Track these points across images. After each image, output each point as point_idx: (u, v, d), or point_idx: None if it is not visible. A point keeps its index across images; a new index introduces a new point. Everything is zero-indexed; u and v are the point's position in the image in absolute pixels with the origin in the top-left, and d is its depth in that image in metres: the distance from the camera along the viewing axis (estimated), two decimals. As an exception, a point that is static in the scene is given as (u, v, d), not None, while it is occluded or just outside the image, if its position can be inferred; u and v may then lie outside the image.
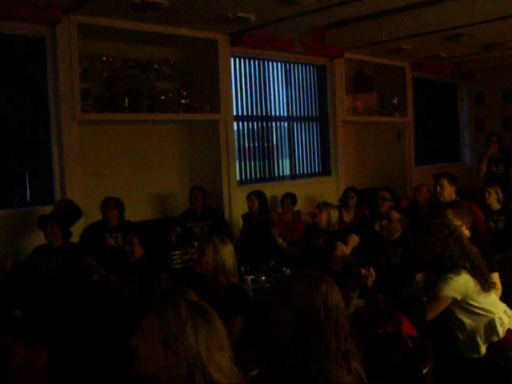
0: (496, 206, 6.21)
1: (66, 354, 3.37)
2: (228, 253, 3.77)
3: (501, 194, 6.19)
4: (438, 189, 5.74)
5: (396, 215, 4.88)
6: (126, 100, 6.64)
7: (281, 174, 8.71)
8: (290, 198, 7.32)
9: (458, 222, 4.38)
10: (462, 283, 3.41)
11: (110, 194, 6.17)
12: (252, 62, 8.16)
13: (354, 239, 5.44)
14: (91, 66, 6.51)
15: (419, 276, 4.01)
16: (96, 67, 6.57)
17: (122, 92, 6.68)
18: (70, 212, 5.87)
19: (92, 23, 6.12)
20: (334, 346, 2.18)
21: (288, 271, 4.72)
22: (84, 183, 6.41)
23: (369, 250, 5.00)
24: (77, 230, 5.96)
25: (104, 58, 6.62)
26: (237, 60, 7.93)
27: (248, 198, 6.89)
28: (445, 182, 5.73)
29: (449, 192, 5.72)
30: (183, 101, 7.16)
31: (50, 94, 6.11)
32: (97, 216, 6.08)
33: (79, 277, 4.98)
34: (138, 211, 6.79)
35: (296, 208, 7.49)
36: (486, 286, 3.46)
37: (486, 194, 6.20)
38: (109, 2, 5.66)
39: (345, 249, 5.27)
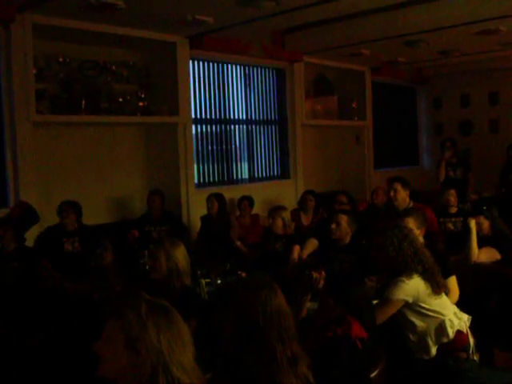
0: (453, 209, 6.37)
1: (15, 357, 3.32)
2: (180, 255, 3.75)
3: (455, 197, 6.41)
4: (392, 193, 5.79)
5: (344, 218, 4.88)
6: (83, 102, 6.56)
7: (239, 176, 8.71)
8: (248, 200, 7.32)
9: (416, 231, 4.46)
10: (414, 286, 3.45)
11: (67, 197, 6.07)
12: (211, 64, 8.15)
13: (313, 243, 5.45)
14: (47, 66, 6.43)
15: (371, 279, 4.05)
16: (52, 68, 6.49)
17: (78, 93, 6.60)
18: (27, 216, 5.77)
19: (48, 23, 6.01)
20: (280, 351, 2.17)
21: (244, 274, 4.71)
22: (40, 186, 6.30)
23: (322, 254, 5.02)
24: (32, 233, 5.87)
25: (61, 59, 6.54)
26: (196, 63, 7.90)
27: (208, 200, 6.87)
28: (398, 187, 5.78)
29: (402, 196, 5.78)
30: (141, 103, 7.12)
31: (3, 95, 5.98)
32: (53, 220, 5.97)
33: (33, 281, 4.90)
34: (95, 214, 6.71)
35: (254, 211, 7.50)
36: (437, 289, 3.50)
37: (450, 197, 6.41)
38: (65, 2, 5.57)
39: (301, 252, 5.30)
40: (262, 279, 2.42)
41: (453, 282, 4.05)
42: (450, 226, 6.30)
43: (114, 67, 6.97)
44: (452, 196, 6.42)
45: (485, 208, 5.22)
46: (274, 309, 2.25)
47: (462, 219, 6.13)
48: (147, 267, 5.26)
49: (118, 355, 1.90)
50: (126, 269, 5.41)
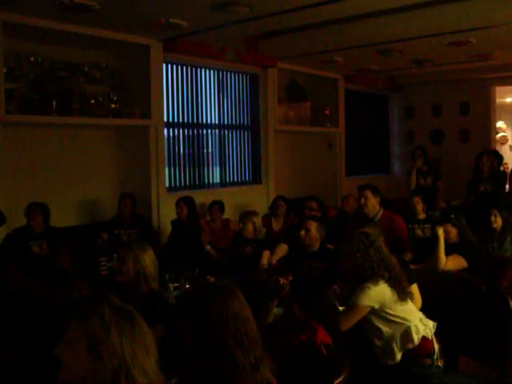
0: (422, 216, 6.47)
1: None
2: (148, 259, 3.73)
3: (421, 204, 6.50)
4: (363, 200, 5.84)
5: (313, 224, 4.91)
6: (54, 102, 6.48)
7: (211, 181, 8.69)
8: (218, 205, 7.31)
9: None
10: (379, 292, 3.48)
11: (35, 198, 6.01)
12: (185, 68, 8.12)
13: (283, 249, 5.45)
14: (18, 66, 6.33)
15: (339, 285, 4.07)
16: (23, 68, 6.39)
17: (50, 94, 6.51)
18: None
19: (18, 22, 5.92)
20: (240, 357, 2.16)
21: (212, 279, 4.70)
22: (8, 187, 6.22)
23: (291, 260, 5.02)
24: (-1, 235, 5.81)
25: (32, 59, 6.43)
26: (169, 66, 7.87)
27: (177, 205, 6.83)
28: (369, 194, 5.83)
29: (373, 203, 5.83)
30: (113, 105, 7.06)
31: (-29, 94, 5.90)
32: (21, 221, 5.90)
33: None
34: (64, 216, 6.65)
35: (225, 216, 7.49)
36: (403, 295, 3.53)
37: (415, 204, 6.52)
38: (37, 1, 5.49)
39: (270, 258, 5.30)
40: (220, 284, 2.42)
41: (415, 289, 4.08)
42: (419, 232, 6.38)
43: (86, 68, 6.89)
44: (418, 204, 6.51)
45: (453, 216, 5.28)
46: (231, 313, 2.24)
47: (430, 226, 6.21)
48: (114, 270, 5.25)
49: (79, 359, 1.89)
50: (92, 271, 5.39)
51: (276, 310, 3.39)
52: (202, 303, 2.27)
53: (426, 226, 6.39)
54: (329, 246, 4.97)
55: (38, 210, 5.83)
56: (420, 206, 6.51)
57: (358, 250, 3.60)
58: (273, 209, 7.45)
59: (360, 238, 3.67)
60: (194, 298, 2.33)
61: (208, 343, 2.21)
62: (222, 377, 2.13)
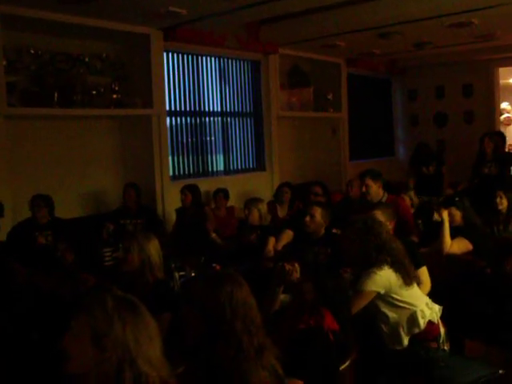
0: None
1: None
2: (153, 248, 3.73)
3: (414, 198, 6.55)
4: (364, 188, 5.79)
5: (318, 210, 4.89)
6: (56, 94, 6.48)
7: (215, 169, 8.69)
8: (223, 192, 7.31)
9: (387, 222, 4.51)
10: (385, 277, 3.48)
11: (40, 190, 6.02)
12: (186, 56, 8.09)
13: (288, 235, 5.44)
14: (18, 58, 6.32)
15: (346, 271, 4.07)
16: (23, 60, 6.38)
17: (51, 86, 6.51)
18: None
19: (18, 14, 5.90)
20: (246, 342, 2.20)
21: (218, 267, 4.71)
22: (12, 180, 6.23)
23: (296, 246, 5.02)
24: (4, 228, 5.81)
25: (32, 51, 6.42)
26: (170, 54, 7.85)
27: (181, 192, 6.84)
28: (369, 181, 5.76)
29: (374, 190, 5.77)
30: (115, 96, 7.05)
31: (-28, 88, 5.90)
32: (26, 214, 5.92)
33: (4, 277, 4.84)
34: (69, 208, 6.67)
35: (230, 203, 7.49)
36: (408, 279, 3.54)
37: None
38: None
39: (276, 244, 5.31)
40: (226, 272, 2.45)
41: (424, 272, 4.10)
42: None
43: (87, 59, 6.88)
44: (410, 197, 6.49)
45: (457, 199, 5.26)
46: (240, 301, 2.30)
47: (420, 221, 6.20)
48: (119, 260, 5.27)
49: (84, 351, 1.90)
50: (97, 262, 5.41)
51: (282, 297, 3.40)
52: (212, 290, 2.32)
53: (416, 222, 6.35)
54: (335, 230, 4.96)
55: (42, 201, 5.85)
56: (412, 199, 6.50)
57: (358, 236, 3.60)
58: (278, 195, 7.45)
59: (360, 224, 3.67)
60: (203, 285, 2.36)
61: (217, 329, 2.24)
62: (229, 362, 2.16)
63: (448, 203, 5.29)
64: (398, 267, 3.52)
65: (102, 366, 1.87)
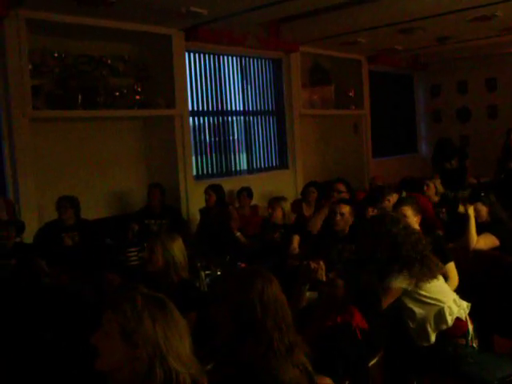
0: (434, 198, 6.41)
1: (16, 355, 3.32)
2: (177, 248, 3.74)
3: (439, 186, 6.39)
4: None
5: (347, 208, 4.89)
6: (80, 97, 6.55)
7: (238, 168, 8.71)
8: (246, 191, 7.32)
9: (413, 218, 4.49)
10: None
11: (66, 192, 6.08)
12: (207, 56, 8.13)
13: (296, 240, 5.49)
14: (42, 62, 6.39)
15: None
16: (47, 63, 6.45)
17: (74, 88, 6.58)
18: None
19: (41, 18, 5.99)
20: (277, 339, 2.19)
21: (243, 265, 4.72)
22: (39, 182, 6.31)
23: (320, 244, 5.01)
24: (31, 229, 5.88)
25: (56, 54, 6.50)
26: (192, 55, 7.88)
27: (205, 192, 6.86)
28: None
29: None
30: (138, 97, 7.11)
31: (-1, 91, 5.99)
32: (53, 215, 5.98)
33: (31, 278, 4.90)
34: (94, 209, 6.74)
35: (254, 202, 7.50)
36: (433, 273, 3.50)
37: (425, 187, 6.44)
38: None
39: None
40: (255, 269, 2.44)
41: (451, 268, 4.07)
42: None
43: (109, 61, 6.94)
44: (429, 188, 6.43)
45: (483, 194, 5.20)
46: (271, 298, 2.27)
47: (444, 210, 6.15)
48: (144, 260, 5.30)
49: (115, 348, 1.91)
50: (122, 262, 5.45)
51: (308, 294, 3.40)
52: (242, 287, 2.29)
53: (439, 210, 6.30)
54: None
55: (67, 203, 5.89)
56: (431, 191, 6.43)
57: (385, 231, 3.58)
58: (304, 195, 7.43)
59: (383, 219, 3.66)
60: (233, 282, 2.35)
61: (247, 327, 2.23)
62: (259, 360, 2.15)
63: (474, 198, 5.24)
64: (423, 262, 3.49)
65: (132, 363, 1.89)
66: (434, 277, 3.51)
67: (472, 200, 5.21)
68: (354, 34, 8.33)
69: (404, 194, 5.78)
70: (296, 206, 7.14)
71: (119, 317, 1.93)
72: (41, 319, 3.76)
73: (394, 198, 5.73)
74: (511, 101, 10.88)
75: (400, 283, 3.45)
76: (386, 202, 5.69)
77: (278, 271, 2.87)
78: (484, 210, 5.11)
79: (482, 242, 4.85)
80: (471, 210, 4.97)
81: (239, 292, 2.28)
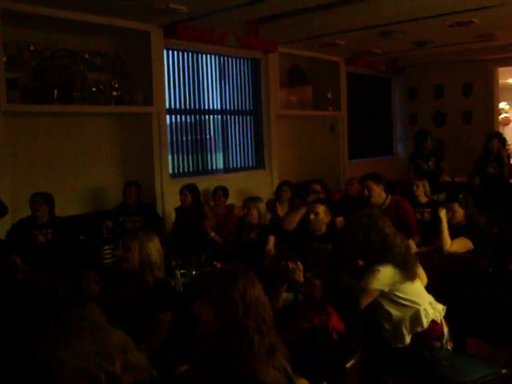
0: (423, 199, 6.41)
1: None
2: (154, 247, 3.70)
3: (427, 188, 6.43)
4: (366, 192, 5.81)
5: (321, 208, 4.90)
6: (56, 91, 6.45)
7: (214, 167, 8.68)
8: (222, 190, 7.30)
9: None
10: (388, 274, 3.47)
11: (40, 188, 6.00)
12: (186, 54, 8.07)
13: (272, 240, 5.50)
14: (18, 54, 6.28)
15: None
16: (24, 56, 6.34)
17: (51, 83, 6.48)
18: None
19: (18, 10, 5.87)
20: (258, 341, 2.17)
21: (219, 265, 4.70)
22: (12, 177, 6.20)
23: (296, 243, 5.01)
24: (4, 225, 5.79)
25: (32, 47, 6.38)
26: (170, 52, 7.83)
27: (181, 192, 6.83)
28: (371, 184, 5.79)
29: (378, 193, 5.80)
30: (115, 93, 7.02)
31: (-28, 84, 5.87)
32: (26, 211, 5.87)
33: (4, 274, 4.82)
34: (68, 206, 6.65)
35: (229, 201, 7.48)
36: (411, 275, 3.52)
37: (414, 187, 6.41)
38: (36, -11, 5.49)
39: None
40: (238, 269, 2.41)
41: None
42: (418, 215, 6.30)
43: (87, 56, 6.85)
44: (417, 187, 6.45)
45: (461, 196, 5.23)
46: (253, 299, 2.25)
47: (430, 210, 6.19)
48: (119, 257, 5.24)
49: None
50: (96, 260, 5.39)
51: (285, 295, 3.39)
52: (225, 286, 2.27)
53: (425, 209, 6.33)
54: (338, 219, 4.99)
55: (42, 199, 5.81)
56: (420, 190, 6.45)
57: (361, 232, 3.58)
58: (278, 194, 7.44)
59: (361, 221, 3.65)
60: (216, 281, 2.32)
61: (229, 327, 2.21)
62: (240, 361, 2.13)
63: (451, 199, 5.28)
64: (400, 264, 3.50)
65: None
66: (412, 280, 3.52)
67: (450, 200, 5.25)
68: (333, 36, 8.33)
69: (389, 198, 5.82)
70: (270, 205, 7.14)
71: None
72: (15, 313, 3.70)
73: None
74: (485, 107, 11.02)
75: (377, 285, 3.46)
76: None
77: (254, 272, 2.86)
78: (460, 211, 5.16)
79: (456, 245, 4.89)
80: (443, 213, 5.02)
81: (222, 290, 2.26)
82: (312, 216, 4.87)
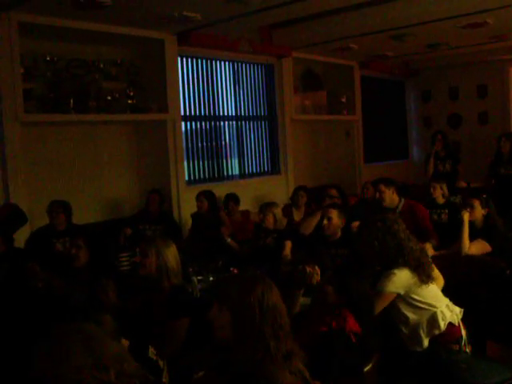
0: (440, 200, 6.40)
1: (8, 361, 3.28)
2: (171, 254, 3.71)
3: (445, 190, 6.42)
4: (378, 195, 5.83)
5: (334, 212, 4.89)
6: (72, 101, 6.52)
7: (230, 173, 8.70)
8: (231, 198, 7.30)
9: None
10: (404, 278, 3.45)
11: (57, 196, 6.04)
12: (200, 61, 8.12)
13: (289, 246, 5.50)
14: (34, 65, 6.36)
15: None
16: (39, 67, 6.42)
17: (67, 92, 6.55)
18: (14, 217, 5.71)
19: (34, 21, 5.96)
20: (274, 347, 2.17)
21: (236, 271, 4.70)
22: (30, 186, 6.28)
23: (313, 249, 5.01)
24: (22, 234, 5.83)
25: (48, 58, 6.46)
26: (184, 59, 7.87)
27: (197, 199, 6.84)
28: (382, 187, 5.79)
29: (389, 196, 5.79)
30: (130, 101, 7.08)
31: (-10, 95, 5.95)
32: (44, 220, 5.92)
33: (23, 283, 4.86)
34: (86, 214, 6.70)
35: (245, 207, 7.49)
36: (427, 279, 3.50)
37: (432, 189, 6.39)
38: (50, 0, 5.53)
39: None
40: (256, 274, 2.42)
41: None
42: (435, 217, 6.28)
43: (102, 65, 6.92)
44: (434, 189, 6.43)
45: (484, 196, 5.20)
46: (270, 305, 2.25)
47: (447, 211, 6.17)
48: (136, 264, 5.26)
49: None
50: (113, 267, 5.40)
51: (302, 300, 3.39)
52: (243, 291, 2.27)
53: (442, 211, 6.32)
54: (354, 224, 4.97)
55: (59, 207, 5.84)
56: (437, 192, 6.43)
57: (376, 238, 3.58)
58: (294, 199, 7.44)
59: (377, 225, 3.64)
60: (234, 286, 2.32)
61: (245, 332, 2.21)
62: (255, 366, 2.13)
63: (473, 195, 5.26)
64: (416, 267, 3.49)
65: None
66: (427, 283, 3.51)
67: (471, 195, 5.23)
68: (346, 40, 8.35)
69: (402, 201, 5.81)
70: (286, 210, 7.15)
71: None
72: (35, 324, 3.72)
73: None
74: (501, 107, 10.94)
75: (393, 288, 3.45)
76: None
77: (271, 277, 2.87)
78: (479, 209, 5.12)
79: (474, 248, 4.87)
80: (466, 216, 4.99)
81: (239, 295, 2.26)
82: (325, 221, 4.86)
